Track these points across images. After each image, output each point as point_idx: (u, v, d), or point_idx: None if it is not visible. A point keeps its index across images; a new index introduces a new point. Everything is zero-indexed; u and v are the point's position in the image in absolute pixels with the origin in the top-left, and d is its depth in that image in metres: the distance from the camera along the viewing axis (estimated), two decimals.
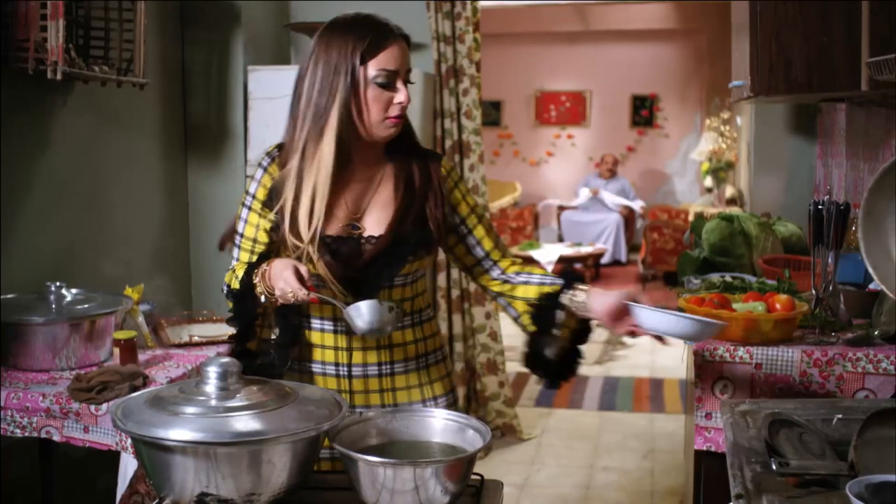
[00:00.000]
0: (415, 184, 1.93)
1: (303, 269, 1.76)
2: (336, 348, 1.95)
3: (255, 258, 1.91)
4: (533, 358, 1.99)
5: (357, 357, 1.95)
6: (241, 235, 1.95)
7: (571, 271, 2.01)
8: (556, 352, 1.98)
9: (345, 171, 1.90)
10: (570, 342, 1.98)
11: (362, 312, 1.75)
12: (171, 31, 4.06)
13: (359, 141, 1.89)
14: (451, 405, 2.03)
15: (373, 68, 1.83)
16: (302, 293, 1.74)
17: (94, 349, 2.67)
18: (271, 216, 1.90)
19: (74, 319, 2.63)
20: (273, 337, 1.92)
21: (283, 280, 1.75)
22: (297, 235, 1.84)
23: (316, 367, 1.97)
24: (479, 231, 2.02)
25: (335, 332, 1.95)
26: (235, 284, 1.88)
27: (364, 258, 1.88)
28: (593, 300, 1.90)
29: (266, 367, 1.86)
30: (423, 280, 2.03)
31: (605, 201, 10.29)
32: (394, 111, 1.86)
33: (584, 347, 2.00)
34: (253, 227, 1.94)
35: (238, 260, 1.95)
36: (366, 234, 1.90)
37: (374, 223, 1.91)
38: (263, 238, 1.92)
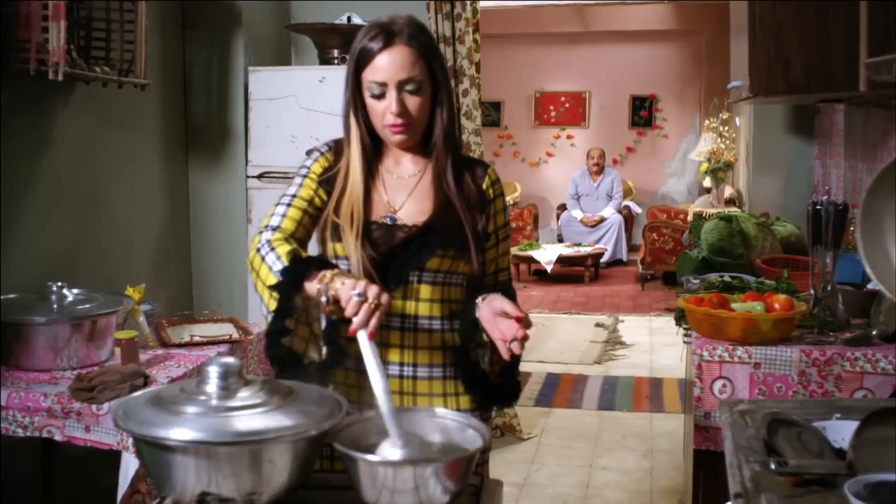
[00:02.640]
0: (454, 185, 1.92)
1: (384, 298, 1.62)
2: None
3: (306, 218, 1.90)
4: (470, 372, 1.92)
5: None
6: (294, 195, 1.93)
7: (509, 288, 1.97)
8: (489, 367, 1.91)
9: (383, 166, 1.96)
10: (503, 364, 1.90)
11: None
12: (172, 31, 4.07)
13: (387, 142, 1.94)
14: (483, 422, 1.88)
15: (365, 79, 1.86)
16: (382, 299, 1.60)
17: (96, 349, 2.68)
18: (321, 180, 1.93)
19: (76, 319, 2.64)
20: (323, 356, 1.82)
21: (359, 288, 1.60)
22: (338, 217, 1.88)
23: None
24: (491, 253, 1.99)
25: None
26: (287, 246, 1.78)
27: (393, 243, 1.88)
28: (482, 306, 1.85)
29: (308, 377, 1.74)
30: (460, 290, 1.95)
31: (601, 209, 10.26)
32: (388, 120, 1.86)
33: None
34: (310, 190, 1.93)
35: (285, 217, 1.89)
36: (399, 224, 1.90)
37: (410, 215, 1.91)
38: (318, 203, 1.93)
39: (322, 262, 1.77)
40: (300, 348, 1.78)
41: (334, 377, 1.95)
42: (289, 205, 1.91)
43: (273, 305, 1.74)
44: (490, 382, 1.91)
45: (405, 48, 1.84)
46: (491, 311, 1.79)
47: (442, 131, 1.92)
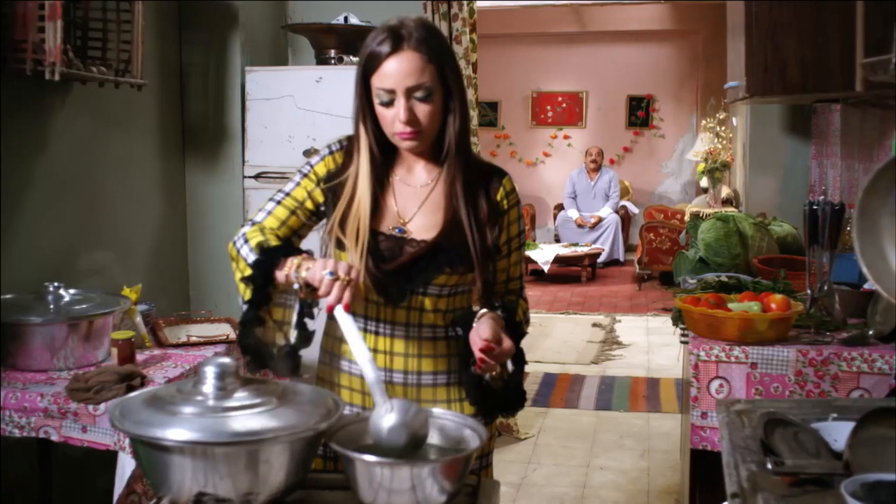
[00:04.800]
0: (465, 199, 1.87)
1: (354, 273, 1.68)
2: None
3: (293, 219, 1.90)
4: (473, 384, 1.87)
5: (382, 360, 1.89)
6: (287, 194, 1.93)
7: (513, 304, 1.93)
8: (492, 381, 1.87)
9: (395, 174, 1.92)
10: (507, 376, 1.86)
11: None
12: (169, 32, 4.07)
13: (399, 148, 1.89)
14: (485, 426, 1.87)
15: (373, 85, 1.81)
16: (353, 273, 1.66)
17: (92, 349, 2.67)
18: (325, 187, 1.90)
19: (73, 320, 2.63)
20: (291, 342, 1.82)
21: (330, 267, 1.66)
22: (343, 232, 1.85)
23: (343, 364, 1.95)
24: (502, 264, 1.95)
25: (365, 330, 1.89)
26: (259, 237, 1.80)
27: (400, 260, 1.85)
28: (475, 327, 1.82)
29: (278, 367, 1.78)
30: (466, 297, 1.93)
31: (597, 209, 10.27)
32: (397, 128, 1.82)
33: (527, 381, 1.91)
34: (304, 191, 1.92)
35: (271, 214, 1.91)
36: (408, 238, 1.87)
37: (420, 228, 1.88)
38: (310, 206, 1.92)
39: (289, 250, 1.78)
40: (269, 337, 1.80)
41: (338, 380, 1.96)
42: (278, 202, 1.92)
43: (248, 296, 1.77)
44: (493, 392, 1.88)
45: (414, 54, 1.78)
46: (477, 335, 1.78)
47: (454, 139, 1.86)
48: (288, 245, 1.82)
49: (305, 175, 1.94)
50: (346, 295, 1.64)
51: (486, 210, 1.89)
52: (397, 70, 1.78)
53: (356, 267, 1.75)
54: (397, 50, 1.78)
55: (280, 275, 1.73)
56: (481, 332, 1.76)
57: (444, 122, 1.86)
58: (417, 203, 1.90)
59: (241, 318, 1.79)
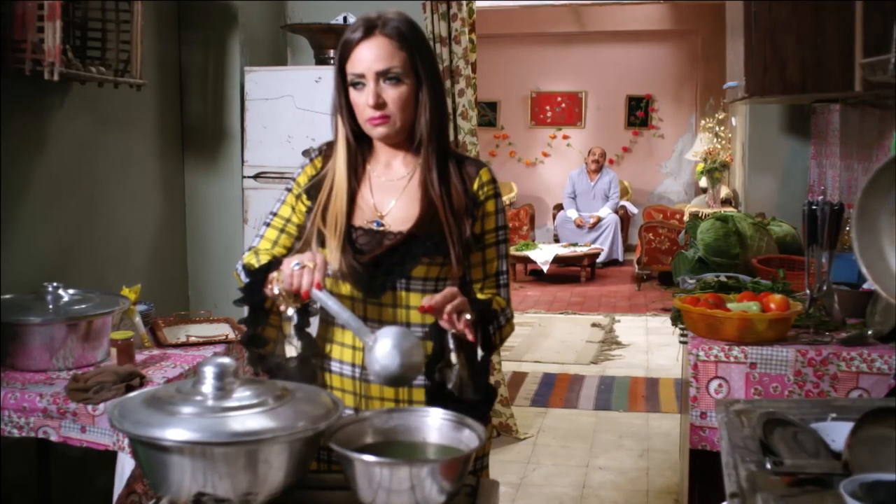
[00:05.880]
0: (439, 188, 1.87)
1: (319, 258, 1.72)
2: (354, 347, 1.91)
3: (283, 237, 1.95)
4: (436, 393, 1.80)
5: None
6: (275, 214, 1.99)
7: (481, 302, 1.85)
8: (455, 383, 1.80)
9: (372, 168, 1.95)
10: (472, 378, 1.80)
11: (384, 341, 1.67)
12: (168, 32, 4.07)
13: (376, 140, 1.92)
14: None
15: (347, 71, 1.86)
16: (318, 259, 1.70)
17: (92, 349, 2.67)
18: (308, 202, 1.94)
19: (72, 320, 2.63)
20: (296, 352, 1.86)
21: (295, 259, 1.71)
22: (324, 224, 1.88)
23: (334, 365, 1.95)
24: (475, 258, 1.92)
25: None
26: (254, 262, 1.85)
27: (376, 252, 1.85)
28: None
29: (293, 378, 1.79)
30: None
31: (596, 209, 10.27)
32: (367, 113, 1.85)
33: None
34: (289, 207, 1.97)
35: (263, 237, 1.97)
36: (385, 230, 1.88)
37: (397, 220, 1.89)
38: (297, 220, 1.96)
39: (270, 267, 1.79)
40: (280, 350, 1.87)
41: (329, 382, 1.96)
42: (268, 224, 1.99)
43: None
44: (457, 400, 1.78)
45: (384, 39, 1.83)
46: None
47: (426, 129, 1.87)
48: (271, 263, 1.82)
49: (289, 190, 1.99)
50: (317, 276, 1.70)
51: (463, 200, 1.89)
52: (367, 54, 1.83)
53: (333, 257, 1.81)
54: (369, 36, 1.84)
55: (267, 291, 1.78)
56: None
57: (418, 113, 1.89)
58: (395, 196, 1.92)
59: (242, 338, 1.86)
